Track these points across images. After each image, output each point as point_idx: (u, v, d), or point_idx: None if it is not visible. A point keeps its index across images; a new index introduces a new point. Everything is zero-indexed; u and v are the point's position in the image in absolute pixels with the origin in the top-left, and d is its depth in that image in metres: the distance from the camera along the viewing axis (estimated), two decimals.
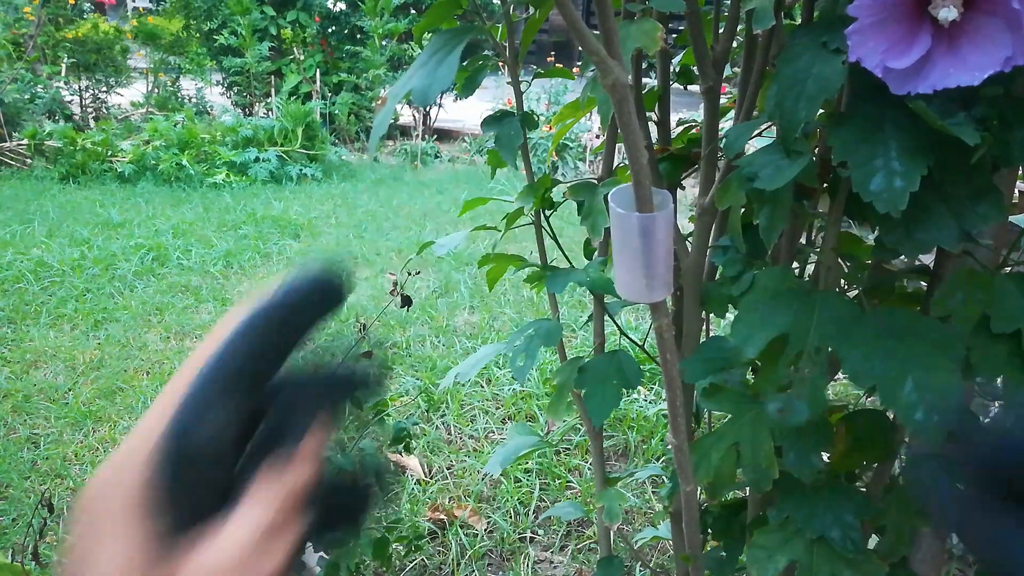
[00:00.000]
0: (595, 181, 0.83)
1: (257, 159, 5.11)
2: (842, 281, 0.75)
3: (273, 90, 6.47)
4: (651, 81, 0.88)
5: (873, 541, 0.78)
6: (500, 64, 0.84)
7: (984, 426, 0.29)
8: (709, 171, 0.76)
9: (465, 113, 6.90)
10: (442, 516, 1.71)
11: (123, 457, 0.26)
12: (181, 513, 0.25)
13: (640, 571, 1.53)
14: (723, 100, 0.81)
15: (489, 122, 0.84)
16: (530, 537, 1.67)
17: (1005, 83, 0.50)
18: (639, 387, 2.23)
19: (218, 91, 7.06)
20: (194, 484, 0.26)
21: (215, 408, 0.26)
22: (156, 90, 6.57)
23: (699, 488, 0.72)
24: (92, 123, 5.92)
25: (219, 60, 6.67)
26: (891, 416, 0.69)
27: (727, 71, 0.81)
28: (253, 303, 0.28)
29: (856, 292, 0.67)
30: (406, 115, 6.72)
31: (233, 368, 0.26)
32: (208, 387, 0.26)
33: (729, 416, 0.69)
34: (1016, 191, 0.75)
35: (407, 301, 1.19)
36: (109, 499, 0.25)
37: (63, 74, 5.94)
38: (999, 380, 0.61)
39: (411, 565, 1.56)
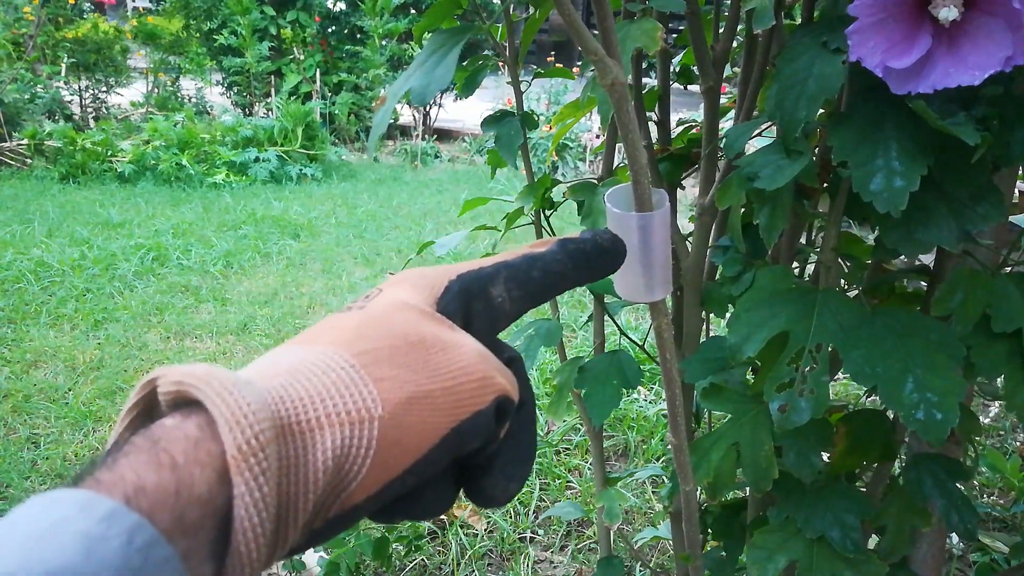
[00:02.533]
0: (595, 181, 0.83)
1: (257, 159, 5.11)
2: (842, 281, 0.75)
3: (273, 90, 6.47)
4: (651, 81, 0.88)
5: (873, 541, 0.78)
6: (500, 64, 0.84)
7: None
8: (709, 171, 0.76)
9: (465, 113, 6.90)
10: (442, 516, 1.71)
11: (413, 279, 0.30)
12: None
13: (640, 571, 1.53)
14: (723, 100, 0.81)
15: (489, 122, 0.84)
16: (530, 537, 1.67)
17: (1005, 83, 0.51)
18: (639, 387, 2.23)
19: (218, 91, 7.06)
20: (473, 321, 0.29)
21: (503, 285, 0.30)
22: (156, 90, 6.57)
23: (699, 488, 0.72)
24: (92, 123, 5.92)
25: (219, 60, 6.67)
26: (891, 416, 0.69)
27: (727, 71, 0.81)
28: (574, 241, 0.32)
29: (856, 292, 0.67)
30: (406, 115, 6.72)
31: (527, 275, 0.30)
32: (502, 271, 0.30)
33: (729, 416, 0.69)
34: (1016, 191, 0.75)
35: None
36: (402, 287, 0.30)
37: (63, 74, 5.94)
38: (999, 380, 0.61)
39: (411, 565, 1.56)
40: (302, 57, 6.66)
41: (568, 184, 0.82)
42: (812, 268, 0.78)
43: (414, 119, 6.63)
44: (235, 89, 6.85)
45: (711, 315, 0.86)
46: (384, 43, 6.62)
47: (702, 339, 0.84)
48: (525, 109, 0.84)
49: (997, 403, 1.99)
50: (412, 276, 0.30)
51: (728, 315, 0.69)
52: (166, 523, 0.19)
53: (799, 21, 0.68)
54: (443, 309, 0.29)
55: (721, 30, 0.75)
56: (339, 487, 0.23)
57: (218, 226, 3.93)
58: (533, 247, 0.32)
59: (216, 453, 0.21)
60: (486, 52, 0.84)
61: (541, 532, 1.69)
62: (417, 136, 6.47)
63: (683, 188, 0.92)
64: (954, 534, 0.69)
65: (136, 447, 0.21)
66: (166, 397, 0.23)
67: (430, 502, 0.28)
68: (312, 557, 1.43)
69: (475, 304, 0.29)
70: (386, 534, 1.47)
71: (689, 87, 0.90)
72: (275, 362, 0.25)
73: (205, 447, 0.21)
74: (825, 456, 0.69)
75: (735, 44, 0.77)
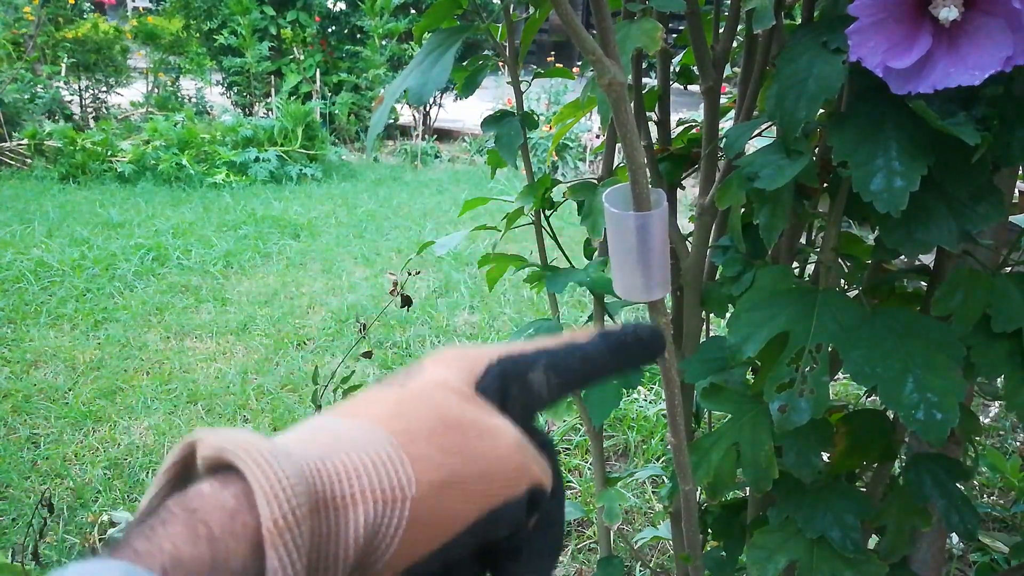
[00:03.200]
0: (595, 181, 0.83)
1: (257, 159, 5.11)
2: (842, 281, 0.75)
3: (273, 90, 6.47)
4: (651, 81, 0.88)
5: (873, 541, 0.78)
6: (500, 64, 0.84)
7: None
8: (709, 171, 0.76)
9: (465, 113, 6.90)
10: None
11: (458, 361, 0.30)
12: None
13: (640, 571, 1.53)
14: (723, 100, 0.81)
15: (489, 122, 0.84)
16: None
17: (1005, 83, 0.50)
18: (639, 387, 2.23)
19: (218, 91, 7.06)
20: (509, 406, 0.29)
21: (543, 371, 0.30)
22: (156, 90, 6.57)
23: (699, 488, 0.72)
24: (92, 123, 5.92)
25: (219, 60, 6.67)
26: (891, 416, 0.69)
27: (727, 71, 0.81)
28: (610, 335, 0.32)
29: (856, 292, 0.67)
30: (406, 115, 6.72)
31: (567, 364, 0.31)
32: (543, 358, 0.30)
33: (729, 416, 0.69)
34: (1016, 191, 0.75)
35: (407, 301, 1.19)
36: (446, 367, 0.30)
37: (63, 74, 5.94)
38: (999, 380, 0.61)
39: None
40: (302, 57, 6.66)
41: (568, 184, 0.82)
42: (812, 268, 0.78)
43: (414, 119, 6.63)
44: (235, 89, 6.85)
45: (711, 315, 0.86)
46: (384, 43, 6.62)
47: (702, 339, 0.84)
48: (525, 109, 0.84)
49: (997, 403, 1.99)
50: (453, 355, 0.31)
51: (728, 315, 0.69)
52: None
53: (799, 21, 0.68)
54: (482, 390, 0.29)
55: (721, 30, 0.75)
56: (366, 563, 0.24)
57: (218, 226, 3.93)
58: (575, 336, 0.32)
59: (252, 526, 0.21)
60: (486, 52, 0.84)
61: None
62: (417, 136, 6.47)
63: (683, 188, 0.92)
64: (954, 534, 0.69)
65: (174, 516, 0.21)
66: (205, 462, 0.23)
67: None
68: None
69: (513, 388, 0.30)
70: None
71: (689, 87, 0.90)
72: (314, 433, 0.25)
73: (241, 519, 0.21)
74: (825, 456, 0.69)
75: (735, 44, 0.77)
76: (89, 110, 6.23)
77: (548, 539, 0.30)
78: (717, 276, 0.82)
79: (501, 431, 0.28)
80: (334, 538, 0.23)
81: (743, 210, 0.69)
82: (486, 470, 0.26)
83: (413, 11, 6.95)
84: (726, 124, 0.78)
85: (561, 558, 1.59)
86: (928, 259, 0.71)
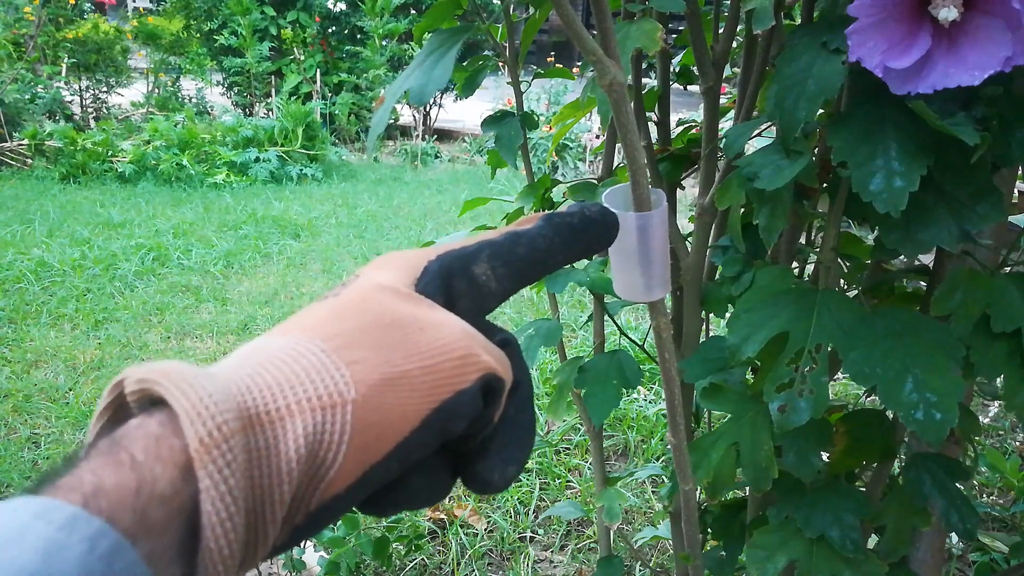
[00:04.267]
0: (595, 181, 0.83)
1: (257, 159, 5.11)
2: (842, 281, 0.75)
3: (273, 90, 6.47)
4: (651, 81, 0.88)
5: (873, 541, 0.78)
6: (500, 64, 0.84)
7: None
8: (709, 171, 0.76)
9: (465, 113, 6.90)
10: (442, 516, 1.71)
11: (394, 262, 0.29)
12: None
13: (640, 571, 1.53)
14: (723, 100, 0.81)
15: (489, 122, 0.84)
16: (530, 537, 1.67)
17: (1005, 83, 0.51)
18: (639, 387, 2.23)
19: (218, 91, 7.06)
20: (455, 301, 0.28)
21: (487, 262, 0.29)
22: (156, 90, 6.57)
23: (699, 488, 0.72)
24: (92, 123, 5.92)
25: (219, 60, 6.67)
26: (890, 416, 0.69)
27: (727, 71, 0.81)
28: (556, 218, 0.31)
29: (856, 292, 0.67)
30: (406, 115, 6.72)
31: (511, 252, 0.29)
32: (484, 248, 0.29)
33: (729, 416, 0.69)
34: (1016, 191, 0.75)
35: None
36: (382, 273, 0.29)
37: (63, 74, 5.94)
38: (999, 380, 0.61)
39: (411, 564, 1.56)
40: (302, 57, 6.66)
41: (568, 184, 0.82)
42: (812, 268, 0.78)
43: (414, 119, 6.63)
44: (235, 89, 6.85)
45: (711, 315, 0.86)
46: (384, 43, 6.62)
47: (702, 339, 0.84)
48: (525, 109, 0.84)
49: (997, 403, 1.99)
50: (391, 259, 0.29)
51: (728, 315, 0.69)
52: (128, 523, 0.19)
53: (799, 21, 0.68)
54: (422, 289, 0.28)
55: (721, 30, 0.75)
56: (316, 477, 0.22)
57: (218, 226, 3.93)
58: (519, 224, 0.31)
59: (179, 448, 0.20)
60: (486, 52, 0.84)
61: (541, 532, 1.69)
62: (417, 136, 6.47)
63: (683, 188, 0.92)
64: (953, 534, 0.69)
65: (97, 450, 0.20)
66: (133, 398, 0.22)
67: (421, 490, 0.27)
68: (312, 557, 1.43)
69: (457, 283, 0.28)
70: (386, 533, 1.47)
71: (689, 87, 0.90)
72: (245, 355, 0.24)
73: (167, 443, 0.20)
74: (825, 456, 0.69)
75: (735, 44, 0.77)
76: (89, 110, 6.23)
77: (516, 430, 0.28)
78: (717, 276, 0.82)
79: (443, 323, 0.26)
80: (273, 453, 0.21)
81: (743, 210, 0.70)
82: (430, 363, 0.25)
83: (413, 11, 6.95)
84: (726, 124, 0.78)
85: (561, 557, 1.60)
86: (928, 259, 0.71)
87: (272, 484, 0.21)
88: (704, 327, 0.87)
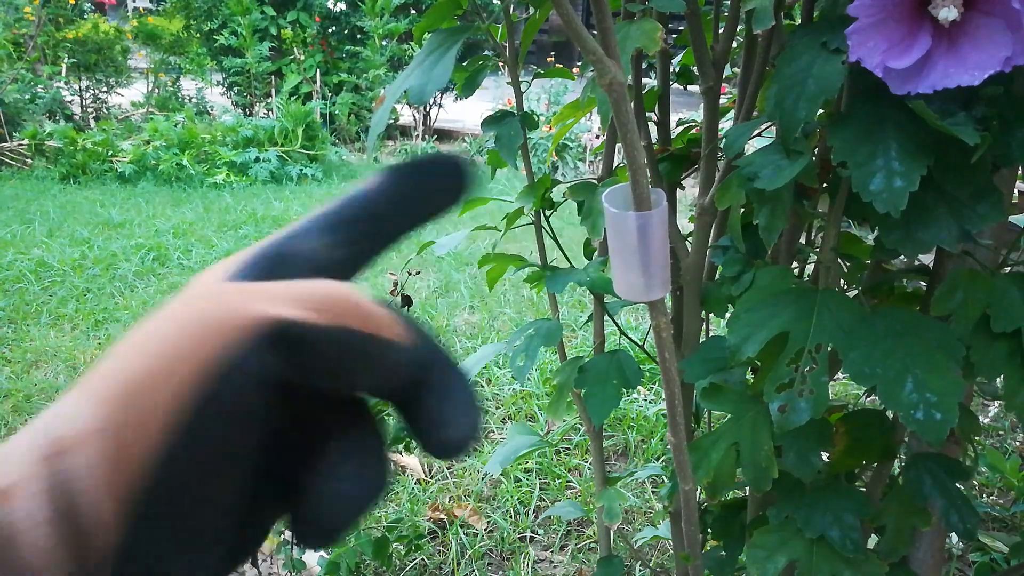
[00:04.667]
0: (595, 181, 0.83)
1: (257, 159, 5.11)
2: (842, 281, 0.75)
3: (273, 90, 6.47)
4: (651, 81, 0.88)
5: (873, 541, 0.78)
6: (500, 64, 0.84)
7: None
8: (709, 171, 0.76)
9: (465, 113, 6.90)
10: (442, 516, 1.71)
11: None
12: None
13: (640, 571, 1.53)
14: (723, 100, 0.81)
15: (489, 122, 0.84)
16: (530, 537, 1.67)
17: (1005, 83, 0.50)
18: (639, 387, 2.23)
19: (218, 91, 7.06)
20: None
21: (317, 235, 0.25)
22: (156, 90, 6.57)
23: (699, 488, 0.72)
24: (92, 123, 5.92)
25: (219, 60, 6.67)
26: (891, 416, 0.69)
27: (727, 71, 0.81)
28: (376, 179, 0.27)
29: (856, 292, 0.67)
30: (406, 115, 6.72)
31: (344, 216, 0.26)
32: (306, 224, 0.26)
33: (729, 416, 0.69)
34: (1016, 191, 0.75)
35: (407, 301, 1.19)
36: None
37: (63, 74, 5.94)
38: (999, 380, 0.61)
39: (411, 564, 1.56)
40: (302, 57, 6.66)
41: (568, 184, 0.82)
42: (812, 268, 0.78)
43: (414, 119, 6.63)
44: (235, 89, 6.85)
45: (711, 315, 0.86)
46: (384, 43, 6.62)
47: (702, 339, 0.84)
48: (525, 109, 0.84)
49: (997, 403, 1.99)
50: (232, 258, 0.26)
51: (728, 315, 0.69)
52: None
53: (799, 21, 0.68)
54: (233, 277, 0.25)
55: (721, 30, 0.75)
56: (75, 512, 0.18)
57: (219, 226, 3.93)
58: (357, 184, 0.28)
59: None
60: (486, 52, 0.84)
61: (541, 532, 1.69)
62: (417, 136, 6.47)
63: (683, 188, 0.92)
64: (953, 534, 0.69)
65: None
66: None
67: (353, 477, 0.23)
68: (312, 556, 1.43)
69: (276, 267, 0.25)
70: (386, 534, 1.47)
71: (689, 87, 0.90)
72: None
73: None
74: (825, 456, 0.69)
75: (735, 44, 0.77)
76: (89, 110, 6.23)
77: (445, 390, 0.24)
78: (717, 276, 0.82)
79: (190, 300, 0.23)
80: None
81: (743, 210, 0.70)
82: (162, 349, 0.20)
83: (413, 11, 6.95)
84: (726, 124, 0.78)
85: (561, 558, 1.60)
86: (928, 259, 0.71)
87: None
88: (704, 327, 0.87)
